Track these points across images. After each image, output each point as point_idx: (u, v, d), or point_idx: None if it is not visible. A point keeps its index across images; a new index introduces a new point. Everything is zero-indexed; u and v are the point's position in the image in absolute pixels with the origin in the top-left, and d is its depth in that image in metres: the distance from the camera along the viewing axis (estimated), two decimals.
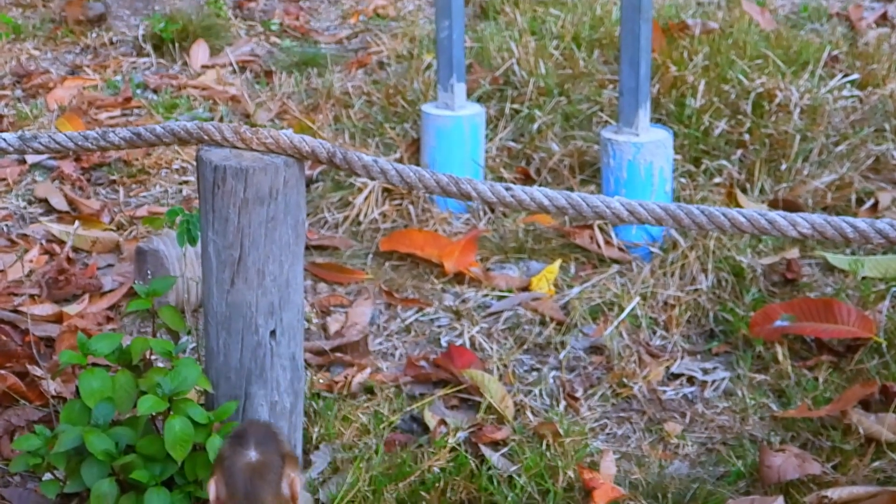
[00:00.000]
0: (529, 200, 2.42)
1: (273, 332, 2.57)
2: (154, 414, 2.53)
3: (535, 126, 4.35)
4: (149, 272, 3.46)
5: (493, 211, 4.00)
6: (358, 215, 3.96)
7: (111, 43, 5.66)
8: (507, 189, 2.43)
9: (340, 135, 4.40)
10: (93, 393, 2.53)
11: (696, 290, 3.43)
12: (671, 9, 5.57)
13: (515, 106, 4.51)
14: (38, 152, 2.69)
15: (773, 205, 3.89)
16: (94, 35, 5.72)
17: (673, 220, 2.35)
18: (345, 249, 3.83)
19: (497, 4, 5.73)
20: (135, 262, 3.56)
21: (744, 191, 3.98)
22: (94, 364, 2.66)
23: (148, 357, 2.64)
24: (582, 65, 4.81)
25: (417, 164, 4.13)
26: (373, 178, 2.52)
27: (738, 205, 3.77)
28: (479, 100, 4.50)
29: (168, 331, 2.66)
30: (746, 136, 4.18)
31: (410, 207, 3.95)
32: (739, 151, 4.12)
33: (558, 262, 3.63)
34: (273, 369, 2.59)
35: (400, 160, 4.13)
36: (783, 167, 4.07)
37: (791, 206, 3.89)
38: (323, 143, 2.52)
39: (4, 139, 2.68)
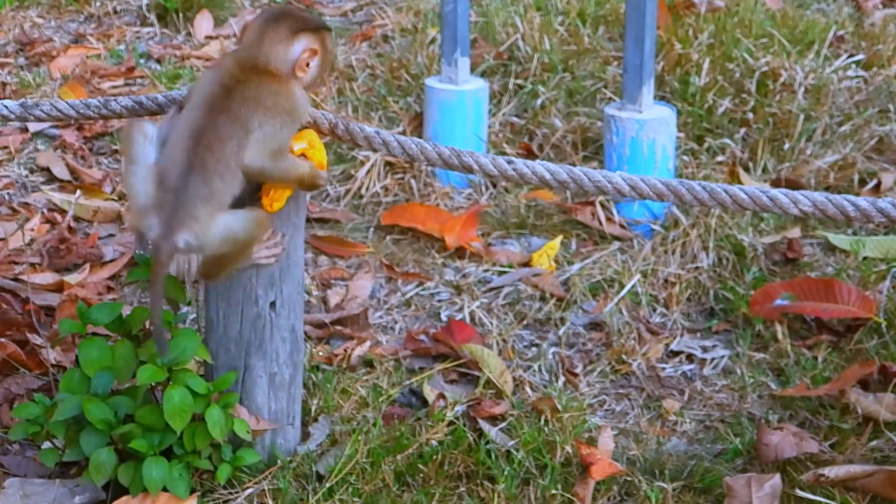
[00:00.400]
0: (531, 174, 2.42)
1: (273, 304, 2.57)
2: (153, 384, 2.53)
3: (539, 102, 4.34)
4: (150, 242, 3.45)
5: (494, 186, 3.99)
6: (360, 188, 3.96)
7: (115, 12, 5.65)
8: (509, 162, 2.43)
9: (344, 108, 4.39)
10: (92, 362, 2.54)
11: (696, 267, 3.42)
12: None
13: (519, 81, 4.49)
14: (39, 120, 2.68)
15: (776, 184, 3.88)
16: (98, 4, 5.70)
17: (674, 195, 2.35)
18: (346, 223, 3.83)
19: None
20: (136, 232, 3.55)
21: (746, 170, 3.97)
22: (93, 333, 2.67)
23: (147, 327, 2.64)
24: (587, 41, 4.79)
25: (420, 137, 4.12)
26: (375, 150, 2.52)
27: (740, 183, 3.76)
28: (482, 75, 4.48)
29: (168, 301, 2.66)
30: (750, 115, 4.16)
31: (412, 181, 3.95)
32: (743, 130, 4.11)
33: (559, 239, 3.62)
34: (272, 341, 2.59)
35: (403, 133, 4.12)
36: (786, 146, 4.06)
37: (793, 186, 3.87)
38: (325, 114, 2.52)
39: (6, 106, 2.68)
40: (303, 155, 2.43)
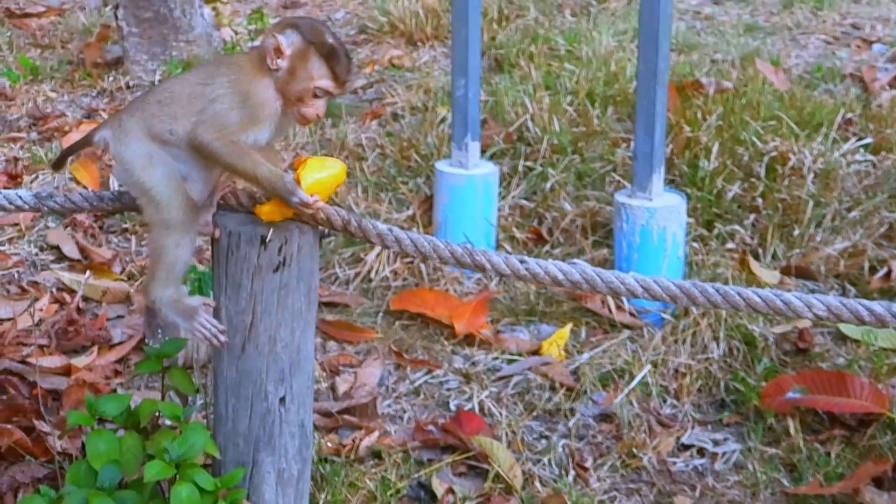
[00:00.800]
0: (544, 274, 2.41)
1: (283, 399, 2.55)
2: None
3: (549, 185, 4.35)
4: (158, 326, 3.45)
5: None
6: (369, 272, 3.96)
7: (127, 87, 5.68)
8: (522, 262, 2.42)
9: (354, 189, 4.40)
10: (99, 455, 2.52)
11: (707, 358, 3.41)
12: (685, 66, 5.58)
13: (529, 163, 4.51)
14: (53, 211, 2.69)
15: (786, 271, 3.88)
16: (111, 78, 5.74)
17: (688, 297, 2.35)
18: (355, 307, 3.83)
19: (512, 57, 5.75)
20: (145, 315, 3.55)
21: (756, 256, 3.97)
22: (101, 420, 2.66)
23: (156, 417, 2.63)
24: (596, 122, 4.82)
25: (430, 222, 4.13)
26: (387, 247, 2.52)
27: (750, 272, 3.76)
28: (492, 157, 4.50)
29: (177, 393, 2.65)
30: (759, 201, 4.17)
31: (422, 266, 3.94)
32: (752, 216, 4.11)
33: (569, 326, 3.61)
34: (282, 436, 2.57)
35: (413, 217, 4.13)
36: (796, 233, 4.05)
37: (804, 274, 3.88)
38: (338, 211, 2.51)
39: (20, 197, 2.68)
40: (295, 169, 2.37)
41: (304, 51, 2.33)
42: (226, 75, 2.37)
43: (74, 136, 5.10)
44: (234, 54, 2.40)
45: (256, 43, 2.18)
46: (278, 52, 2.34)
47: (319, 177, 2.38)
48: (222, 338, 2.45)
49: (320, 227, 2.51)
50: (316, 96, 2.35)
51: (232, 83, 2.35)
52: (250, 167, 2.33)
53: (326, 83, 2.34)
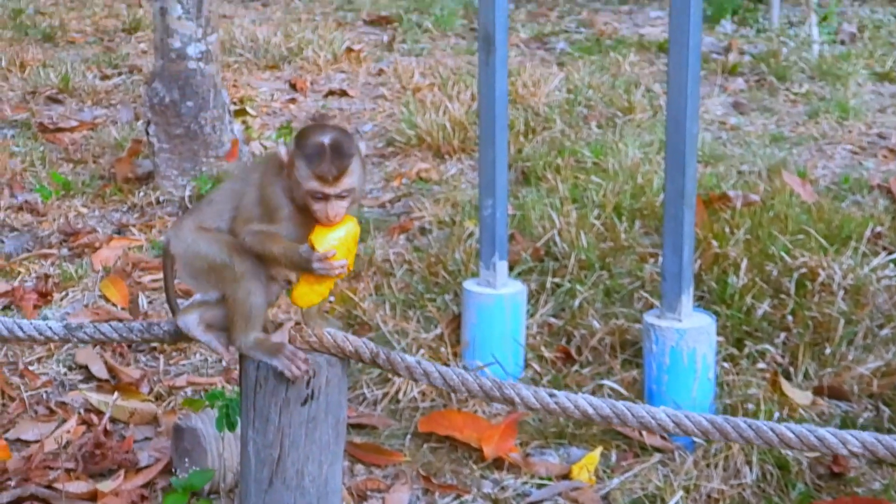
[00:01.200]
0: (573, 408, 2.39)
1: None
2: None
3: (577, 302, 4.34)
4: (185, 450, 3.44)
5: None
6: (397, 393, 3.94)
7: (158, 202, 5.74)
8: (552, 395, 2.41)
9: (381, 306, 4.40)
10: None
11: (740, 483, 3.36)
12: (712, 178, 5.60)
13: (556, 280, 4.51)
14: (82, 342, 2.70)
15: (819, 391, 3.84)
16: (141, 194, 5.80)
17: (720, 433, 2.32)
18: (383, 429, 3.80)
19: (538, 170, 5.78)
20: (172, 438, 3.54)
21: (787, 376, 3.92)
22: None
23: None
24: (623, 237, 4.82)
25: (458, 341, 4.12)
26: (416, 380, 2.51)
27: (782, 393, 3.72)
28: (519, 274, 4.50)
29: None
30: (790, 318, 4.14)
31: None
32: (783, 334, 4.08)
33: (599, 450, 3.57)
34: None
35: (441, 337, 4.12)
36: (827, 351, 4.02)
37: (836, 394, 3.84)
38: (367, 343, 2.51)
39: (50, 328, 2.69)
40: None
41: (293, 157, 2.35)
42: (254, 176, 2.44)
43: (105, 253, 5.15)
44: (266, 156, 2.48)
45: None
46: (280, 163, 2.38)
47: (335, 236, 2.36)
48: (310, 371, 2.44)
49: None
50: (316, 199, 2.36)
51: (256, 183, 2.42)
52: (269, 249, 2.38)
53: (313, 185, 2.32)
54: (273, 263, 2.43)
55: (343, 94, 7.55)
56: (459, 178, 5.96)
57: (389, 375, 3.98)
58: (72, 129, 6.86)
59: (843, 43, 8.47)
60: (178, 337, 2.66)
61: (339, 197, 2.34)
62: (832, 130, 6.62)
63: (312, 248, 2.34)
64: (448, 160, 6.21)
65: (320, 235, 2.35)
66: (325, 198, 2.33)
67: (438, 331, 4.17)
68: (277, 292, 2.55)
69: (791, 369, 3.96)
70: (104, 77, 7.98)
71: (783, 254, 4.47)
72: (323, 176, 2.32)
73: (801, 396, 3.74)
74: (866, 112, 6.89)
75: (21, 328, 2.72)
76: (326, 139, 2.34)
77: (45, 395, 4.08)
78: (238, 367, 2.60)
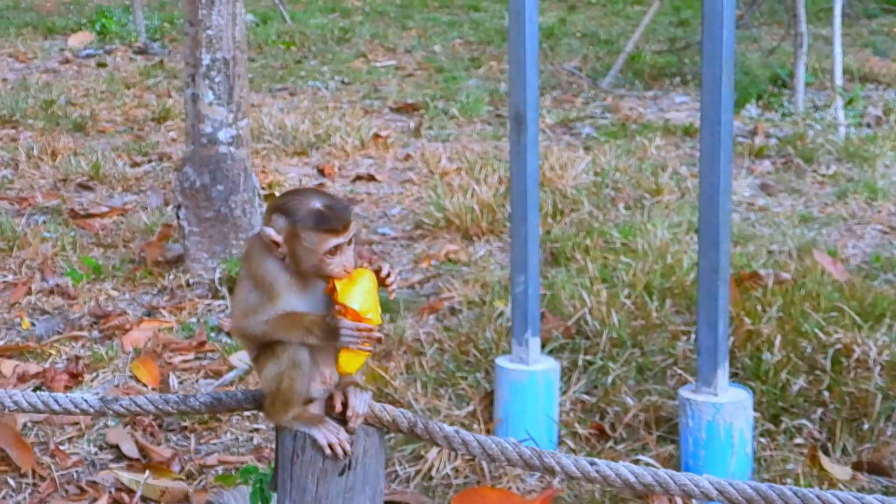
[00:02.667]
0: (615, 476, 2.37)
1: None
2: None
3: (610, 379, 4.31)
4: None
5: None
6: (430, 469, 3.90)
7: (188, 285, 5.76)
8: (592, 464, 2.38)
9: (412, 384, 4.38)
10: None
11: None
12: (742, 258, 5.59)
13: (588, 357, 4.48)
14: (118, 415, 2.69)
15: (858, 467, 3.78)
16: (171, 277, 5.82)
17: (765, 501, 2.28)
18: None
19: (568, 251, 5.79)
20: None
21: (826, 451, 3.87)
22: None
23: None
24: (655, 315, 4.80)
25: (491, 418, 4.09)
26: (454, 450, 2.49)
27: (821, 468, 3.67)
28: (551, 351, 4.48)
29: None
30: (826, 394, 4.10)
31: (483, 463, 3.88)
32: (820, 410, 4.04)
33: None
34: None
35: (473, 413, 4.10)
36: (865, 426, 3.97)
37: (876, 469, 3.78)
38: (404, 413, 2.50)
39: (86, 401, 2.69)
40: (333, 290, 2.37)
41: (293, 230, 2.35)
42: (243, 267, 2.46)
43: (136, 334, 5.16)
44: (247, 245, 2.47)
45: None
46: (274, 244, 2.37)
47: (362, 289, 2.37)
48: (347, 447, 2.42)
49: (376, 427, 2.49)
50: (331, 255, 2.36)
51: (244, 275, 2.44)
52: (290, 331, 2.38)
53: (330, 242, 2.35)
54: (297, 343, 2.40)
55: (371, 178, 7.60)
56: (488, 259, 5.97)
57: (422, 452, 3.95)
58: (102, 215, 6.91)
59: (868, 126, 8.49)
60: (214, 409, 2.65)
61: (349, 243, 2.38)
62: (861, 211, 6.61)
63: (344, 306, 2.35)
64: (476, 242, 6.22)
65: (347, 292, 2.36)
66: (340, 250, 2.35)
67: (471, 408, 4.15)
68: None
69: (829, 445, 3.91)
70: (134, 164, 8.06)
71: (817, 330, 4.44)
72: (336, 230, 2.35)
73: (840, 472, 3.69)
74: (895, 193, 6.89)
75: (57, 401, 2.72)
76: (316, 198, 2.38)
77: (75, 475, 4.06)
78: (275, 441, 2.59)
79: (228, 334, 5.18)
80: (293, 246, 2.35)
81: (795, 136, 8.00)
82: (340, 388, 2.50)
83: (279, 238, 2.36)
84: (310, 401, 2.49)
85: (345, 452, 2.43)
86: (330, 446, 2.42)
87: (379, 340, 2.38)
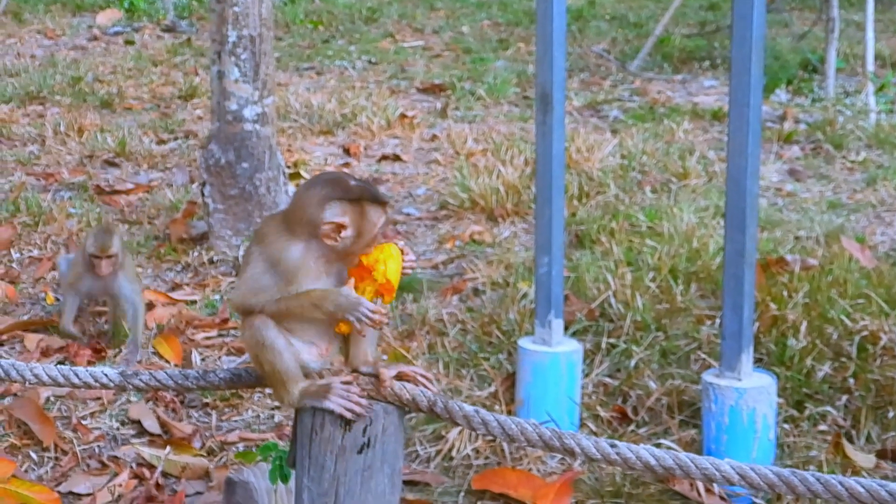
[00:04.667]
0: (636, 459, 2.34)
1: None
2: None
3: (633, 362, 4.28)
4: None
5: None
6: (450, 450, 3.89)
7: (211, 262, 5.76)
8: (613, 446, 2.36)
9: (435, 364, 4.37)
10: None
11: None
12: (769, 243, 5.54)
13: (612, 340, 4.45)
14: (138, 389, 2.69)
15: (882, 455, 3.75)
16: (195, 254, 5.82)
17: (787, 486, 2.26)
18: (436, 486, 3.75)
19: (593, 234, 5.75)
20: (224, 492, 3.50)
21: (849, 439, 3.84)
22: None
23: None
24: (679, 299, 4.77)
25: (513, 399, 4.07)
26: (474, 430, 2.47)
27: (844, 456, 3.64)
28: (574, 333, 4.46)
29: None
30: (851, 381, 4.06)
31: (504, 444, 3.87)
32: (844, 397, 4.00)
33: None
34: None
35: (495, 395, 4.08)
36: (890, 414, 3.93)
37: None
38: (423, 392, 2.49)
39: (106, 374, 2.69)
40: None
41: (361, 209, 2.39)
42: (257, 248, 2.44)
43: (159, 311, 5.16)
44: (261, 227, 2.48)
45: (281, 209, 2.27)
46: (341, 227, 2.37)
47: (395, 267, 2.43)
48: (364, 402, 2.40)
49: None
50: (382, 229, 2.44)
51: (261, 253, 2.42)
52: (307, 309, 2.38)
53: (385, 218, 2.44)
54: (315, 318, 2.41)
55: (396, 158, 7.58)
56: (512, 241, 5.94)
57: (443, 432, 3.94)
58: (128, 192, 6.92)
59: None
60: (233, 384, 2.64)
61: None
62: (890, 198, 6.54)
63: (390, 282, 2.40)
64: (501, 223, 6.19)
65: (386, 267, 2.41)
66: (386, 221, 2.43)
67: (492, 389, 4.13)
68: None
69: (853, 432, 3.88)
70: (160, 141, 8.07)
71: (843, 317, 4.39)
72: (388, 204, 2.45)
73: (864, 459, 3.65)
74: None
75: (77, 375, 2.72)
76: (352, 178, 2.44)
77: (97, 449, 4.07)
78: (293, 419, 2.58)
79: None
80: (361, 225, 2.39)
81: (825, 122, 7.93)
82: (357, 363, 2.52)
83: (346, 220, 2.37)
84: (316, 375, 2.48)
85: (361, 410, 2.39)
86: (348, 410, 2.40)
87: (385, 324, 2.39)
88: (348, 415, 2.39)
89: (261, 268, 2.41)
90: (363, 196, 2.40)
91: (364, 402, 2.40)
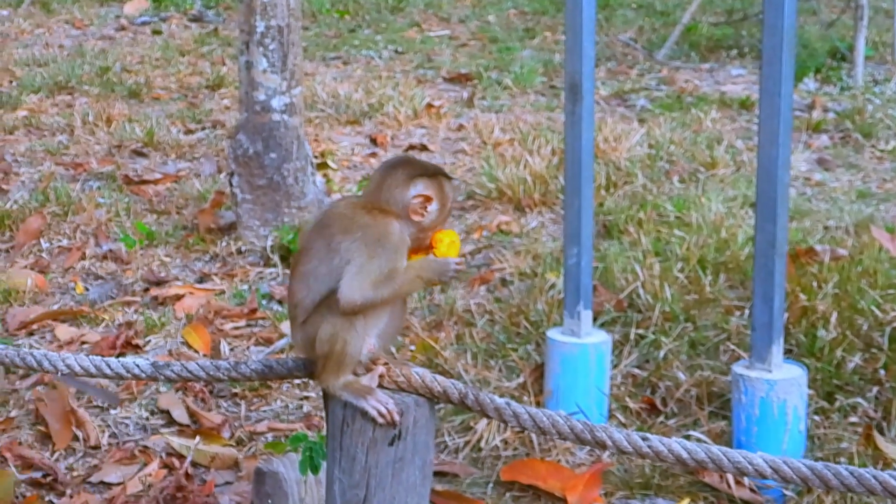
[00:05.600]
0: (667, 452, 2.34)
1: None
2: None
3: (662, 353, 4.27)
4: (267, 495, 3.42)
5: None
6: (479, 441, 3.89)
7: (239, 252, 5.77)
8: (644, 439, 2.35)
9: (463, 355, 4.37)
10: None
11: None
12: (798, 233, 5.51)
13: (640, 331, 4.44)
14: (169, 380, 2.70)
15: None
16: (223, 244, 5.84)
17: (820, 480, 2.24)
18: (465, 477, 3.76)
19: (621, 224, 5.74)
20: (253, 482, 3.52)
21: (881, 431, 3.82)
22: None
23: None
24: (708, 290, 4.75)
25: (541, 390, 4.07)
26: (505, 422, 2.47)
27: (876, 448, 3.62)
28: (602, 324, 4.45)
29: None
30: (882, 372, 4.04)
31: (533, 435, 3.87)
32: (875, 389, 3.98)
33: (686, 502, 3.49)
34: None
35: (523, 385, 4.08)
36: None
37: None
38: (455, 384, 2.48)
39: (138, 365, 2.70)
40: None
41: (438, 184, 2.46)
42: (346, 238, 2.42)
43: (188, 301, 5.18)
44: (336, 218, 2.47)
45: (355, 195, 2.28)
46: (428, 200, 2.43)
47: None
48: (397, 417, 2.42)
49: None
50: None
51: (359, 240, 2.41)
52: (412, 283, 2.44)
53: (453, 193, 2.54)
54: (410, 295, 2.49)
55: (423, 148, 7.57)
56: (540, 231, 5.93)
57: (472, 423, 3.94)
58: (156, 182, 6.94)
59: None
60: (265, 376, 2.65)
61: None
62: None
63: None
64: (528, 213, 6.18)
65: (446, 243, 2.50)
66: None
67: (521, 380, 4.13)
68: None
69: (884, 424, 3.85)
70: (188, 131, 8.08)
71: (873, 308, 4.37)
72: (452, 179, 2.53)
73: (895, 451, 3.63)
74: None
75: (109, 366, 2.73)
76: (419, 160, 2.52)
77: (127, 439, 4.09)
78: (325, 410, 2.58)
79: (280, 301, 5.19)
80: (442, 199, 2.46)
81: (854, 111, 7.87)
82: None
83: (432, 194, 2.44)
84: (368, 369, 2.49)
85: (394, 423, 2.41)
86: (381, 416, 2.41)
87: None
88: (380, 420, 2.40)
89: (366, 254, 2.41)
90: (438, 172, 2.49)
91: (397, 417, 2.41)
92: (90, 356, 2.76)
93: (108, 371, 2.71)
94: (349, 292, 2.38)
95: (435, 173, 2.47)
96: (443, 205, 2.46)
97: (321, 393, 2.59)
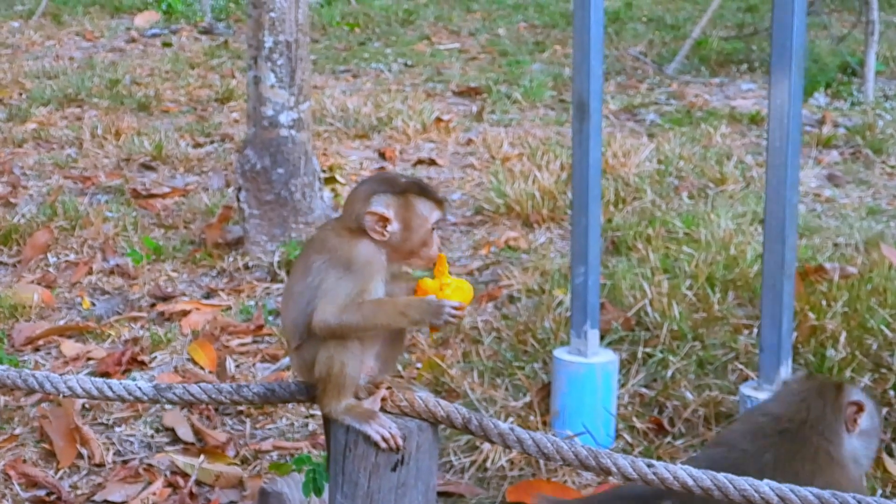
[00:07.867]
0: (672, 479, 2.31)
1: None
2: None
3: (669, 372, 4.25)
4: None
5: None
6: (485, 461, 3.87)
7: (247, 267, 5.76)
8: (650, 466, 2.33)
9: (469, 373, 4.35)
10: None
11: None
12: (807, 251, 5.48)
13: (648, 350, 4.42)
14: (171, 403, 2.68)
15: None
16: (230, 259, 5.83)
17: None
18: (470, 497, 3.73)
19: (629, 240, 5.71)
20: (258, 502, 3.50)
21: (889, 452, 3.79)
22: None
23: None
24: (716, 308, 4.72)
25: (548, 410, 4.04)
26: (509, 447, 2.45)
27: (885, 471, 3.59)
28: (610, 343, 4.42)
29: None
30: (892, 393, 4.00)
31: None
32: (885, 410, 3.94)
33: None
34: None
35: (530, 405, 4.05)
36: None
37: None
38: (458, 408, 2.47)
39: (140, 388, 2.69)
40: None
41: (406, 202, 2.38)
42: (318, 258, 2.41)
43: (194, 317, 5.17)
44: (316, 237, 2.48)
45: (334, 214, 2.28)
46: (384, 220, 2.36)
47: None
48: (400, 441, 2.39)
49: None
50: (433, 231, 2.42)
51: (331, 261, 2.39)
52: (393, 317, 2.36)
53: (438, 214, 2.42)
54: (389, 329, 2.43)
55: (432, 163, 7.56)
56: (548, 247, 5.91)
57: (477, 443, 3.92)
58: (164, 196, 6.94)
59: None
60: (267, 399, 2.63)
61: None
62: None
63: (462, 304, 2.38)
64: (537, 229, 6.16)
65: (453, 287, 2.41)
66: (438, 226, 2.41)
67: (527, 399, 4.10)
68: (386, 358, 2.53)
69: (894, 446, 3.82)
70: (196, 145, 8.09)
71: (883, 327, 4.33)
72: (441, 201, 2.44)
73: None
74: None
75: (111, 388, 2.72)
76: (403, 176, 2.45)
77: (131, 457, 4.07)
78: (325, 435, 2.57)
79: None
80: (408, 218, 2.39)
81: (864, 126, 7.84)
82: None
83: (390, 213, 2.36)
84: (370, 392, 2.47)
85: (397, 447, 2.39)
86: (384, 440, 2.39)
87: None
88: (383, 445, 2.38)
89: (333, 275, 2.38)
90: (409, 189, 2.40)
91: (400, 442, 2.39)
92: (92, 378, 2.75)
93: (109, 393, 2.70)
94: (320, 314, 2.37)
95: (404, 191, 2.40)
96: (407, 225, 2.39)
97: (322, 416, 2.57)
